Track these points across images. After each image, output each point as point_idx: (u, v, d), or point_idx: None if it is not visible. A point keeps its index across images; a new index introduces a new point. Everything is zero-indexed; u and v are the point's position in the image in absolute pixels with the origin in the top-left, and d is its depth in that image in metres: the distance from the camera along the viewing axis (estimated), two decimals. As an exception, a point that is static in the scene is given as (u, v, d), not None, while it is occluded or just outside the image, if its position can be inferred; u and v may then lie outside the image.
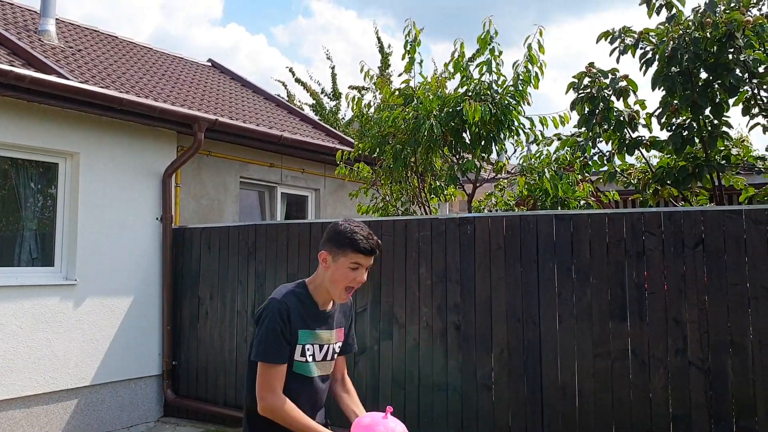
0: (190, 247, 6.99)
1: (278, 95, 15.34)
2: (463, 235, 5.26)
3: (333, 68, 18.75)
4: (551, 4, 49.38)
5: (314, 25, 43.93)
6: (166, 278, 6.94)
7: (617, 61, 5.18)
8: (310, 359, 2.45)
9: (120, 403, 6.56)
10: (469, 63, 6.35)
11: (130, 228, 6.75)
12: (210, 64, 12.59)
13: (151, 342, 6.87)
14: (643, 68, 5.04)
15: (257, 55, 41.80)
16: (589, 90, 5.21)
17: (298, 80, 18.66)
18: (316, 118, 15.48)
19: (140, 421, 6.70)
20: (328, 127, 11.37)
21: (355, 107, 7.18)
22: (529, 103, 6.18)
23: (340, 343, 2.60)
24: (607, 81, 5.19)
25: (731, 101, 5.04)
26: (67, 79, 6.10)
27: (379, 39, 17.55)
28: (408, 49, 6.51)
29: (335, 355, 2.58)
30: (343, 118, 18.25)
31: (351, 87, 18.09)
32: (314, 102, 18.26)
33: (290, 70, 20.10)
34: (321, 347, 2.49)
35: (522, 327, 4.92)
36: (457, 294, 5.23)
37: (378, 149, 6.78)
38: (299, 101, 18.81)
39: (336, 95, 18.50)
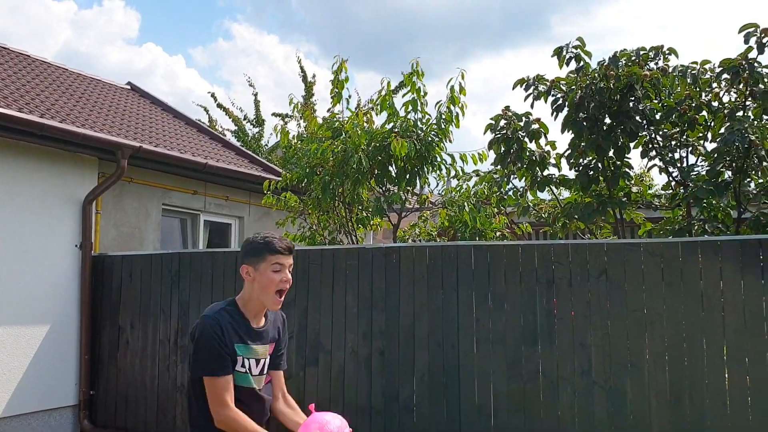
0: (110, 275, 6.88)
1: (199, 120, 15.26)
2: (388, 264, 5.51)
3: (256, 95, 18.81)
4: (471, 40, 51.58)
5: (234, 49, 43.71)
6: (84, 307, 6.80)
7: (531, 105, 5.67)
8: (244, 372, 2.56)
9: None
10: (393, 94, 6.69)
11: (48, 255, 6.59)
12: (129, 87, 12.40)
13: (68, 372, 6.69)
14: (554, 114, 5.55)
15: (174, 77, 41.05)
16: (504, 131, 5.66)
17: (220, 105, 18.59)
18: (238, 144, 15.48)
19: None
20: (251, 153, 11.43)
21: (283, 138, 7.35)
22: (450, 141, 6.57)
23: (268, 358, 2.68)
24: (522, 123, 5.67)
25: (632, 145, 5.62)
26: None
27: (302, 68, 17.80)
28: (336, 84, 6.78)
29: (266, 370, 2.68)
30: (266, 145, 18.29)
31: (275, 114, 18.25)
32: (237, 128, 18.22)
33: (212, 95, 20.13)
34: (258, 362, 2.61)
35: (442, 351, 5.19)
36: (382, 321, 5.45)
37: (306, 180, 6.97)
38: (221, 127, 18.71)
39: (259, 122, 18.53)
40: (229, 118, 18.34)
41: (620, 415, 4.62)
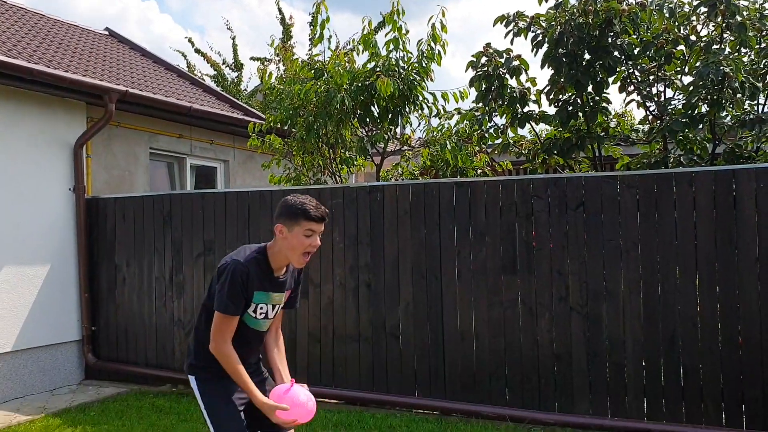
0: (104, 216, 7.00)
1: (178, 66, 15.07)
2: (373, 201, 5.67)
3: (234, 39, 18.53)
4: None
5: (208, -8, 42.37)
6: (81, 247, 6.96)
7: (511, 42, 5.73)
8: (261, 317, 2.81)
9: (42, 367, 6.62)
10: (375, 33, 6.70)
11: (43, 199, 6.70)
12: (107, 32, 12.19)
13: (70, 309, 6.92)
14: (534, 50, 5.63)
15: (148, 22, 39.98)
16: (486, 68, 5.75)
17: (198, 50, 18.30)
18: (218, 89, 15.35)
19: (63, 384, 6.79)
20: (231, 98, 11.38)
21: (266, 81, 7.36)
22: (432, 79, 6.63)
23: (281, 304, 2.93)
24: (502, 60, 5.74)
25: (611, 80, 5.72)
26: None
27: (280, 10, 17.51)
28: (317, 24, 6.78)
29: (278, 311, 2.93)
30: (245, 90, 18.13)
31: (253, 58, 17.98)
32: (216, 73, 18.00)
33: (189, 40, 19.63)
34: (273, 307, 2.86)
35: (426, 282, 5.42)
36: (368, 255, 5.65)
37: (290, 121, 7.04)
38: (200, 72, 18.45)
39: (238, 66, 18.31)
40: (208, 63, 18.07)
41: (596, 338, 4.89)
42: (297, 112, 6.99)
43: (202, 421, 5.03)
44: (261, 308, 2.79)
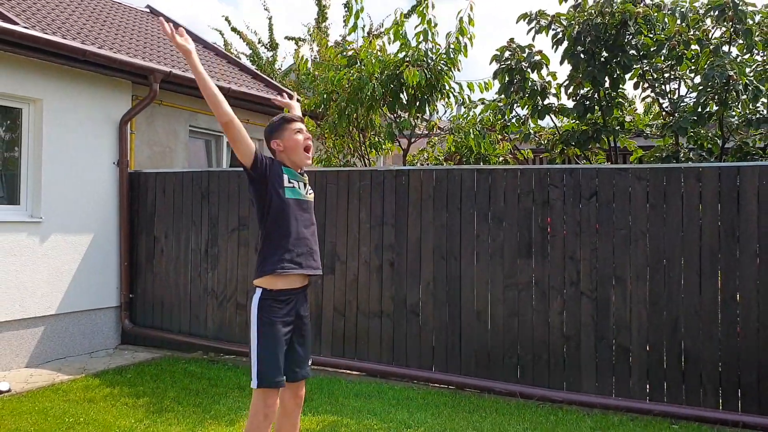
0: (145, 190, 7.47)
1: (215, 43, 15.49)
2: (398, 185, 6.04)
3: (270, 19, 18.90)
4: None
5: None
6: (123, 218, 7.43)
7: (533, 39, 6.03)
8: (294, 186, 3.18)
9: (82, 331, 7.12)
10: (406, 18, 7.01)
11: (89, 171, 7.18)
12: (149, 10, 12.66)
13: (110, 276, 7.40)
14: (555, 47, 5.92)
15: (188, -2, 40.41)
16: (509, 62, 6.06)
17: (234, 29, 18.70)
18: (253, 67, 15.76)
19: (101, 347, 7.28)
20: (266, 77, 11.76)
21: (301, 66, 7.73)
22: (459, 70, 6.93)
23: (312, 193, 3.33)
24: (525, 55, 6.04)
25: (627, 77, 6.00)
26: (29, 29, 6.39)
27: (317, -9, 17.75)
28: (352, 14, 7.11)
29: (311, 193, 3.32)
30: (279, 69, 18.51)
31: (288, 38, 18.34)
32: (251, 52, 18.40)
33: (226, 18, 20.08)
34: (304, 185, 3.26)
35: (446, 263, 5.79)
36: (392, 236, 6.03)
37: (323, 105, 7.41)
38: (236, 50, 18.88)
39: (273, 46, 18.67)
40: (244, 41, 18.48)
41: (604, 321, 5.22)
42: (330, 96, 7.35)
43: (231, 386, 5.55)
44: (292, 181, 3.18)
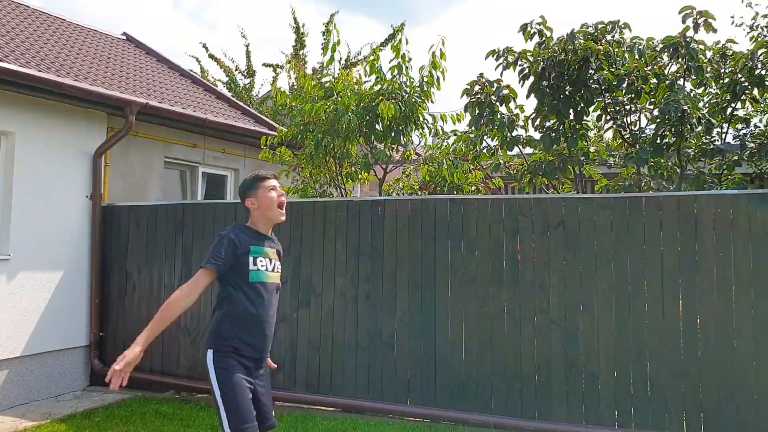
0: (118, 223, 7.45)
1: (191, 70, 15.59)
2: (374, 215, 6.14)
3: (248, 46, 19.05)
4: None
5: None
6: (95, 253, 7.35)
7: (501, 74, 6.27)
8: (262, 268, 3.26)
9: (48, 373, 6.89)
10: (383, 47, 7.21)
11: (61, 205, 7.11)
12: (125, 37, 12.74)
13: (80, 314, 7.24)
14: (521, 81, 6.16)
15: (162, 21, 40.53)
16: (479, 96, 6.27)
17: (211, 56, 18.84)
18: (229, 94, 15.88)
19: (68, 390, 7.03)
20: (243, 105, 11.88)
21: (279, 98, 7.88)
22: (432, 102, 7.14)
23: (279, 263, 3.42)
24: (494, 89, 6.26)
25: (591, 109, 6.24)
26: (2, 60, 6.42)
27: (295, 19, 17.99)
28: (329, 47, 7.29)
29: (278, 269, 3.40)
30: (257, 95, 18.65)
31: (265, 65, 18.51)
32: (228, 79, 18.53)
33: (204, 45, 20.17)
34: (270, 261, 3.33)
35: (421, 293, 5.89)
36: (368, 266, 6.12)
37: (300, 136, 7.54)
38: (213, 77, 19.00)
39: (250, 73, 18.83)
40: (221, 68, 18.62)
41: (573, 348, 5.35)
42: (307, 128, 7.49)
43: (205, 426, 5.53)
44: (260, 260, 3.26)
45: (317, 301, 6.29)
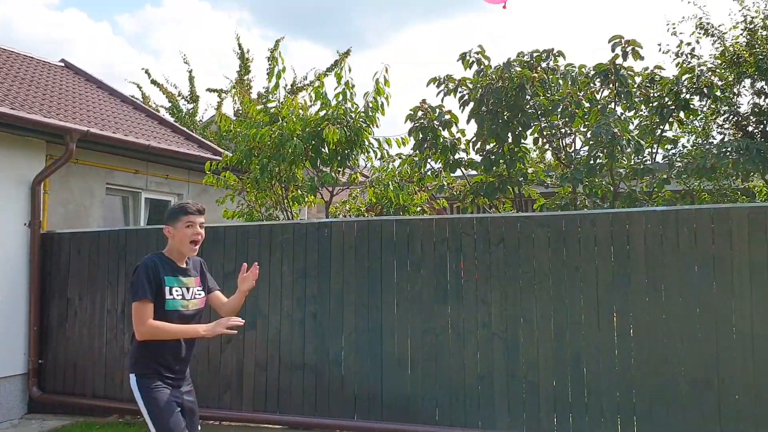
0: (59, 251, 7.32)
1: (133, 96, 15.44)
2: (321, 237, 6.24)
3: (191, 71, 18.98)
4: (405, 9, 52.57)
5: (164, 16, 42.69)
6: (33, 281, 7.22)
7: (442, 100, 6.56)
8: (178, 297, 3.37)
9: None
10: (327, 73, 7.38)
11: (-1, 234, 6.98)
12: (63, 64, 12.54)
13: (17, 342, 7.11)
14: (462, 107, 6.45)
15: (101, 45, 39.90)
16: (422, 121, 6.51)
17: (154, 82, 18.67)
18: (173, 120, 15.77)
19: (4, 418, 6.87)
20: (186, 130, 11.84)
21: (223, 124, 7.93)
22: (377, 126, 7.33)
23: (199, 288, 3.53)
24: (436, 115, 6.52)
25: (528, 132, 6.56)
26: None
27: (240, 45, 18.07)
28: (274, 74, 7.41)
29: (198, 295, 3.51)
30: (200, 120, 18.55)
31: (210, 90, 18.47)
32: (171, 104, 18.39)
33: (146, 71, 19.85)
34: (188, 289, 3.43)
35: (368, 312, 5.99)
36: (315, 287, 6.19)
37: (245, 161, 7.59)
38: (154, 103, 18.80)
39: (193, 98, 18.75)
40: (164, 94, 18.48)
41: (514, 360, 5.54)
42: (252, 152, 7.55)
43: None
44: (176, 290, 3.37)
45: (264, 323, 6.31)
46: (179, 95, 18.62)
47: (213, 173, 8.13)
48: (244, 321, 3.44)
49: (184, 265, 3.47)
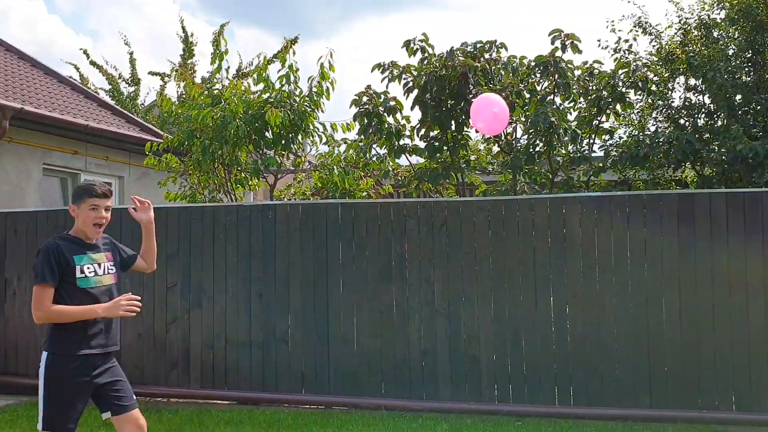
0: (-6, 231, 7.10)
1: (70, 77, 14.93)
2: (265, 219, 6.30)
3: (131, 54, 18.49)
4: (356, 1, 52.59)
5: (103, -6, 41.09)
6: (-32, 262, 6.99)
7: (386, 86, 6.71)
8: (90, 274, 3.34)
9: None
10: (272, 61, 7.39)
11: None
12: (-6, 41, 12.04)
13: (-48, 324, 6.87)
14: (406, 94, 6.62)
15: (35, 23, 38.10)
16: (367, 107, 6.64)
17: (93, 63, 18.09)
18: (112, 103, 15.35)
19: None
20: (127, 113, 11.61)
21: (165, 104, 7.84)
22: (323, 111, 7.42)
23: (111, 263, 3.48)
24: (381, 101, 6.67)
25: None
26: None
27: (183, 29, 17.74)
28: (217, 56, 7.39)
29: (111, 270, 3.46)
30: (142, 104, 18.12)
31: (152, 73, 18.06)
32: (111, 87, 17.87)
33: (84, 51, 19.11)
34: (99, 265, 3.40)
35: (314, 291, 6.10)
36: (260, 268, 6.25)
37: (187, 143, 7.54)
38: (93, 85, 18.22)
39: (135, 81, 18.28)
40: (104, 76, 17.93)
41: (456, 335, 5.78)
42: (194, 134, 7.50)
43: (97, 424, 5.41)
44: (87, 268, 3.34)
45: (209, 303, 6.32)
46: (120, 78, 18.11)
47: (154, 155, 8.03)
48: (140, 299, 3.36)
49: (92, 241, 3.42)
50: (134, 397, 3.49)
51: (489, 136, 7.21)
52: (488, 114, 3.49)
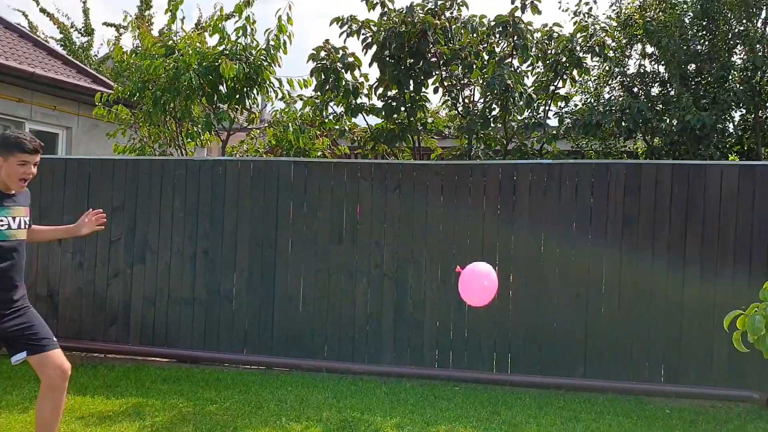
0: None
1: (19, 24, 14.26)
2: (215, 174, 6.12)
3: (85, 2, 17.75)
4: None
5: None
6: None
7: (344, 41, 6.49)
8: (4, 228, 3.25)
9: None
10: (230, 17, 7.09)
11: None
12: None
13: None
14: (365, 50, 6.43)
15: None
16: (324, 62, 6.43)
17: (43, 10, 17.31)
18: (64, 53, 14.74)
19: None
20: (79, 63, 11.15)
21: (116, 53, 7.51)
22: (279, 66, 7.18)
23: (27, 218, 3.41)
24: (339, 56, 6.47)
25: (430, 81, 6.64)
26: None
27: (140, -22, 17.04)
28: (171, 6, 7.07)
29: (24, 225, 3.38)
30: (95, 55, 17.46)
31: (107, 24, 17.39)
32: (62, 36, 17.15)
33: (35, -1, 18.24)
34: (14, 219, 3.30)
35: (261, 250, 5.98)
36: (207, 225, 6.10)
37: (138, 94, 7.25)
38: (44, 34, 17.47)
39: (88, 31, 17.58)
40: (55, 25, 17.18)
41: (402, 300, 5.75)
42: (146, 85, 7.21)
43: (28, 377, 5.20)
44: (1, 221, 3.24)
45: (153, 258, 6.17)
46: (72, 27, 17.38)
47: (104, 106, 7.71)
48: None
49: (12, 193, 3.32)
50: (55, 339, 3.37)
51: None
52: (479, 288, 3.51)
